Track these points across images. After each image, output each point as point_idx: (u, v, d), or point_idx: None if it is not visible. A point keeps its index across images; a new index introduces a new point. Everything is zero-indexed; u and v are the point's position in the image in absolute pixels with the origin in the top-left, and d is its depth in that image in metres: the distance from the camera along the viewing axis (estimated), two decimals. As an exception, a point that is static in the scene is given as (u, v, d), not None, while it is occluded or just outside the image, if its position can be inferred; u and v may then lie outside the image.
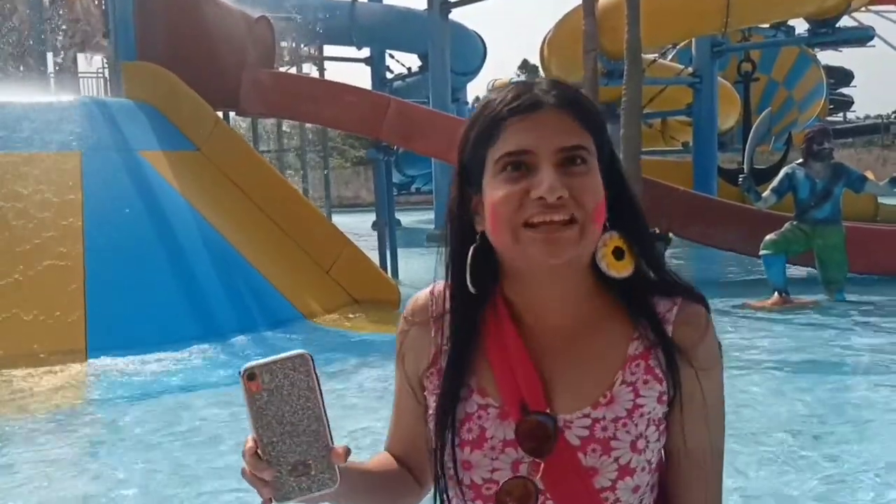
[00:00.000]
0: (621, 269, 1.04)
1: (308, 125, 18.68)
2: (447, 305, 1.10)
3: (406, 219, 20.51)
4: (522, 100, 1.01)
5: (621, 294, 1.07)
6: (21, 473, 4.13)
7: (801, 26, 16.40)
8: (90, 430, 4.90)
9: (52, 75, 13.25)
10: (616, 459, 1.00)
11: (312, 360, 0.92)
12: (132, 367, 6.07)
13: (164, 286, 7.02)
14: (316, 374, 0.93)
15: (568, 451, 1.01)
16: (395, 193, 13.99)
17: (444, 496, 1.08)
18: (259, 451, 0.93)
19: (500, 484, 1.02)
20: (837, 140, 25.60)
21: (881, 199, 12.42)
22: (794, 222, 7.94)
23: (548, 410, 1.01)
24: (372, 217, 19.33)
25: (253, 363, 0.91)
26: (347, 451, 0.96)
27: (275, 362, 0.91)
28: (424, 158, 19.05)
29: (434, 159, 15.69)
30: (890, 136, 29.96)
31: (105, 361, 6.15)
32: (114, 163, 7.76)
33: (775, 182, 8.09)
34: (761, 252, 7.97)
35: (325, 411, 0.94)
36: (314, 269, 8.32)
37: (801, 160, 8.08)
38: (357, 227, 17.28)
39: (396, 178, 18.02)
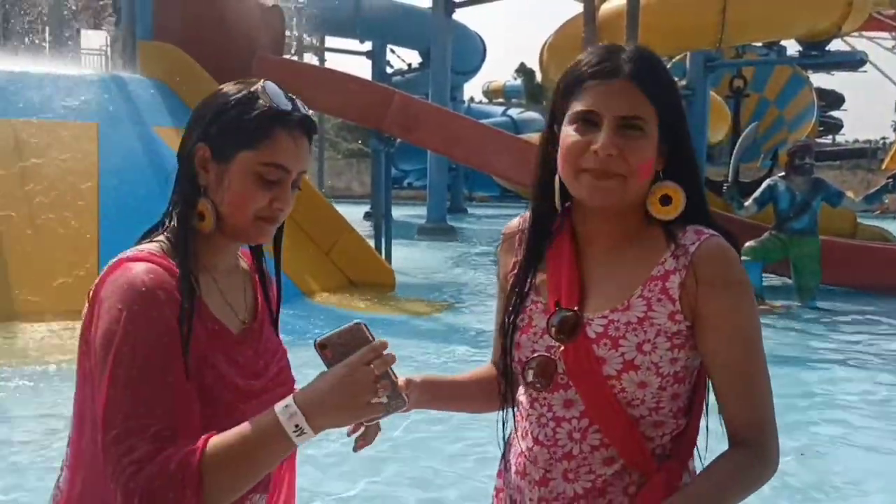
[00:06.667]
0: (666, 214, 1.28)
1: (307, 114, 18.97)
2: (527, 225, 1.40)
3: (397, 212, 20.69)
4: (603, 66, 1.25)
5: (666, 229, 1.30)
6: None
7: (792, 47, 16.89)
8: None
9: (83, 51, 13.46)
10: (622, 354, 1.23)
11: (367, 326, 1.17)
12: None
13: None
14: (371, 335, 1.17)
15: (586, 342, 1.25)
16: (389, 186, 14.39)
17: (508, 370, 1.36)
18: None
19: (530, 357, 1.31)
20: (824, 162, 26.00)
21: (860, 219, 12.83)
22: (774, 232, 8.35)
23: (576, 308, 1.27)
24: (363, 208, 19.58)
25: (322, 337, 1.16)
26: (406, 382, 1.32)
27: (338, 334, 1.16)
28: (419, 154, 19.35)
29: (430, 153, 16.10)
30: (876, 161, 30.45)
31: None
32: (128, 135, 8.05)
33: (757, 192, 8.50)
34: (741, 258, 8.34)
35: None
36: (314, 250, 8.64)
37: (783, 173, 8.50)
38: (349, 216, 17.49)
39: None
